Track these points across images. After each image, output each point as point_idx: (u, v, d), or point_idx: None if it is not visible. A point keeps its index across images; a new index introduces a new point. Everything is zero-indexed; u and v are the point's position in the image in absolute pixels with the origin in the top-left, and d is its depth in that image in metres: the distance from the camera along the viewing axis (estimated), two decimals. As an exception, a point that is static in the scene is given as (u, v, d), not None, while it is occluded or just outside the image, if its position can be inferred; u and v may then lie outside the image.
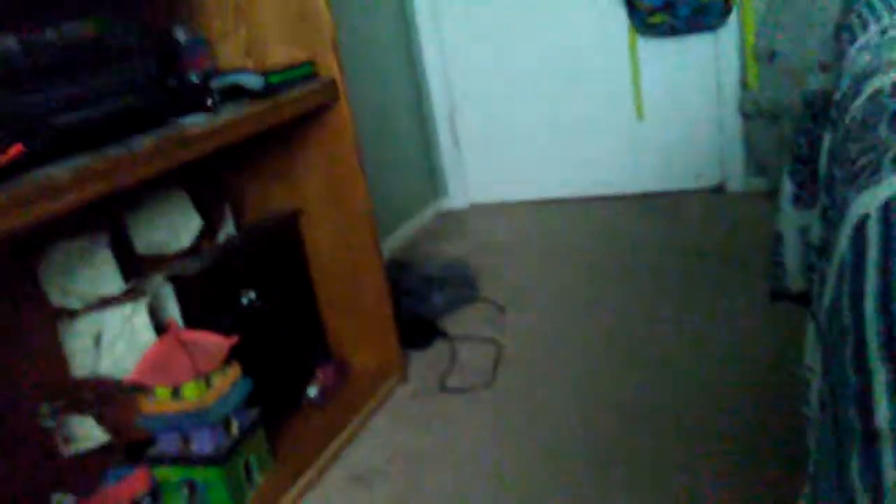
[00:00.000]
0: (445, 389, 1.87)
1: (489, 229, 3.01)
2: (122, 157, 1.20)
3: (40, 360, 1.48)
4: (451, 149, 3.24)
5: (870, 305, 0.52)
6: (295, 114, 1.64)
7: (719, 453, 1.45)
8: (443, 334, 2.13)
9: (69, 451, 1.48)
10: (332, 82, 1.74)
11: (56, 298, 1.47)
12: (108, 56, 1.30)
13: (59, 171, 1.11)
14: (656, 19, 2.69)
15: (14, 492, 1.38)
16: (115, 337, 1.50)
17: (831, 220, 0.78)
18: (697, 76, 2.82)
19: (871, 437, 0.48)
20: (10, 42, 1.16)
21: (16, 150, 1.10)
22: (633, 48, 2.85)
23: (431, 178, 3.27)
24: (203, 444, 1.46)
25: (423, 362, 2.02)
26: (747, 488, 1.34)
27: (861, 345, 0.52)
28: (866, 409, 0.49)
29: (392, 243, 2.83)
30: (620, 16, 2.83)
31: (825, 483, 0.57)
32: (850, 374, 0.53)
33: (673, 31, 2.72)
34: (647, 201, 2.96)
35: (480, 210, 3.24)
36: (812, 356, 0.94)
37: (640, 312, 2.09)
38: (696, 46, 2.78)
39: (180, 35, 1.72)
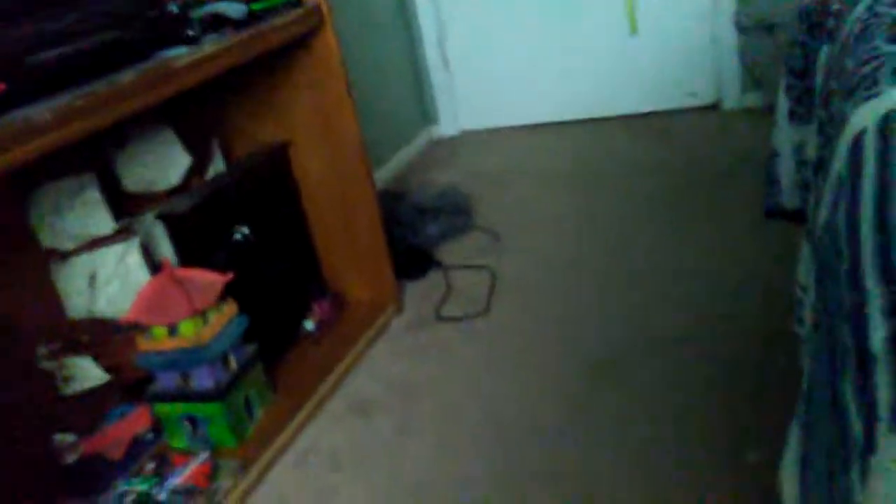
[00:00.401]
0: (441, 319, 1.88)
1: (482, 156, 2.98)
2: (104, 94, 1.17)
3: (36, 302, 1.47)
4: (440, 75, 3.18)
5: (865, 224, 0.51)
6: (279, 42, 1.59)
7: (710, 368, 1.47)
8: (437, 264, 2.13)
9: (69, 391, 1.49)
10: (317, 8, 1.68)
11: (47, 240, 1.46)
12: (82, -10, 1.25)
13: (40, 111, 1.08)
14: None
15: (16, 433, 1.40)
16: (109, 277, 1.49)
17: (828, 135, 0.76)
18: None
19: (864, 359, 0.47)
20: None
21: (-6, 88, 1.07)
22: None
23: (421, 107, 3.22)
24: (202, 380, 1.47)
25: (418, 292, 2.03)
26: (734, 401, 1.36)
27: (856, 264, 0.51)
28: (861, 331, 0.48)
29: (384, 174, 2.80)
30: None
31: (818, 403, 0.57)
32: (844, 294, 0.52)
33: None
34: (640, 121, 2.92)
35: (472, 137, 3.21)
36: (806, 275, 0.93)
37: (635, 234, 2.08)
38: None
39: (156, -36, 1.66)
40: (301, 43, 1.72)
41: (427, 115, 3.24)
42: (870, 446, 0.46)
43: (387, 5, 2.98)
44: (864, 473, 0.46)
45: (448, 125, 3.25)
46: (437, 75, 3.18)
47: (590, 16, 2.92)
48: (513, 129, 3.15)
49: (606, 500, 1.23)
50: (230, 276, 1.51)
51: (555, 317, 1.79)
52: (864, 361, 0.47)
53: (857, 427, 0.47)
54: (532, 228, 2.26)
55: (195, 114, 1.82)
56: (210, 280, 1.49)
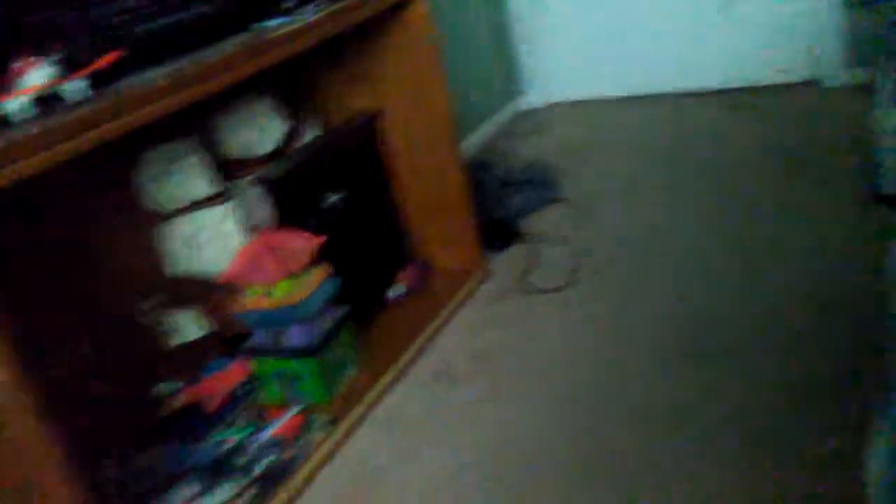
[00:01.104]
0: (527, 289, 1.89)
1: (569, 128, 2.96)
2: (211, 63, 1.22)
3: (140, 259, 1.56)
4: (529, 45, 3.16)
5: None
6: (372, 13, 1.62)
7: (801, 352, 1.44)
8: (523, 236, 2.14)
9: (172, 342, 1.57)
10: (410, -24, 1.70)
11: (151, 202, 1.54)
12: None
13: (153, 78, 1.14)
14: None
15: (125, 380, 1.49)
16: (208, 238, 1.57)
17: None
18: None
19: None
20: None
21: (114, 55, 1.13)
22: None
23: (509, 77, 3.20)
24: (295, 338, 1.53)
25: (503, 263, 2.04)
26: (822, 385, 1.33)
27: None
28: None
29: (470, 143, 2.81)
30: None
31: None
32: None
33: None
34: (735, 97, 2.83)
35: (560, 108, 3.18)
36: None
37: (726, 211, 2.04)
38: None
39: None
40: (393, 13, 1.74)
41: (515, 85, 3.22)
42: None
43: (477, -24, 2.97)
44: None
45: (536, 95, 3.23)
46: (525, 47, 3.16)
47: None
48: (601, 101, 3.11)
49: (685, 478, 1.23)
50: (322, 239, 1.56)
51: (642, 291, 1.78)
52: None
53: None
54: (620, 202, 2.24)
55: (291, 82, 1.87)
56: (303, 243, 1.55)
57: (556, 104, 3.21)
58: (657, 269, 1.85)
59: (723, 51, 2.86)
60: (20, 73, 1.06)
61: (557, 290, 1.86)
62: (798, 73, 2.79)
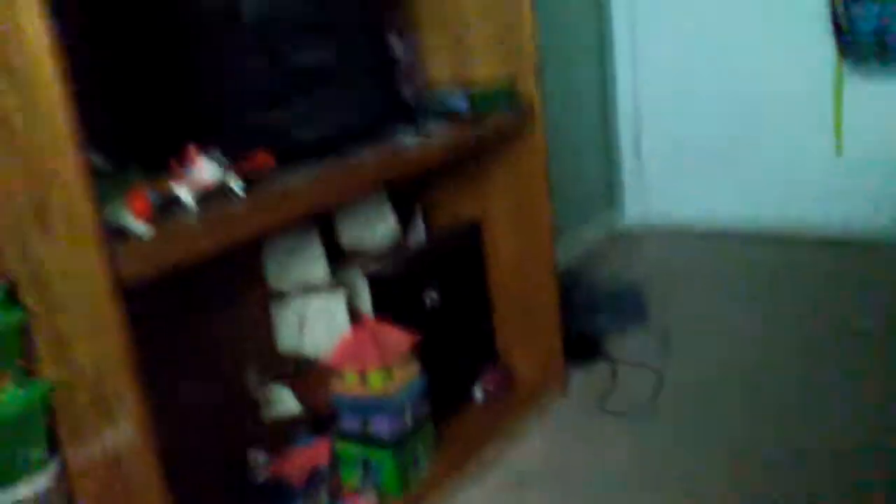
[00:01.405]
0: (603, 409, 1.94)
1: (664, 253, 3.02)
2: (351, 169, 1.37)
3: (254, 332, 1.69)
4: (632, 167, 3.27)
5: None
6: (495, 135, 1.76)
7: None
8: (606, 355, 2.19)
9: (268, 415, 1.68)
10: (531, 108, 1.84)
11: (273, 282, 1.68)
12: (342, 79, 1.47)
13: (302, 180, 1.29)
14: (864, 56, 2.59)
15: (220, 444, 1.60)
16: (317, 320, 1.69)
17: None
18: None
19: None
20: (262, 64, 1.35)
21: (265, 159, 1.29)
22: (839, 81, 2.76)
23: (609, 195, 3.31)
24: (381, 427, 1.62)
25: (583, 380, 2.10)
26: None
27: None
28: None
29: (564, 255, 2.90)
30: (826, 41, 2.72)
31: None
32: None
33: (882, 70, 2.61)
34: (839, 247, 2.82)
35: (656, 232, 3.25)
36: None
37: (810, 369, 2.04)
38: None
39: (398, 50, 1.88)
40: (511, 136, 1.88)
41: (614, 203, 3.33)
42: None
43: (589, 96, 3.12)
44: None
45: (634, 217, 3.32)
46: (628, 167, 3.27)
47: (793, 130, 2.91)
48: (700, 230, 3.16)
49: None
50: (418, 336, 1.67)
51: (716, 427, 1.81)
52: None
53: None
54: (706, 334, 2.28)
55: (407, 184, 2.02)
56: (400, 338, 1.65)
57: (656, 226, 3.28)
58: (733, 407, 1.88)
59: (834, 197, 2.87)
60: (191, 164, 1.22)
61: (633, 414, 1.90)
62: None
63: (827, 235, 2.89)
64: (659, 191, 3.26)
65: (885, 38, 2.54)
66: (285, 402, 1.68)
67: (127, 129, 1.33)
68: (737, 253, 2.92)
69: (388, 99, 1.64)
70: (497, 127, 1.75)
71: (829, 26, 2.66)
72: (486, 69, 1.89)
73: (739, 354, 2.14)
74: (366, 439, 1.64)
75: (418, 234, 1.99)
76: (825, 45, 2.73)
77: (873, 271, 2.60)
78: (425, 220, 2.06)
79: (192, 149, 1.20)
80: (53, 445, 1.19)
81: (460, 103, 1.71)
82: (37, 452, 1.17)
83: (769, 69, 2.90)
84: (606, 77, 3.19)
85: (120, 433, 1.08)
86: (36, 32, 0.95)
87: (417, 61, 1.93)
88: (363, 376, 1.62)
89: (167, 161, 1.20)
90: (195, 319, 1.57)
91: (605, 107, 3.23)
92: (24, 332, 1.14)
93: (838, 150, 2.84)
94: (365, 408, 1.63)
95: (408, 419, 1.66)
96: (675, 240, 3.14)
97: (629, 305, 2.37)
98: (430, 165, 1.56)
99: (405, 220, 2.00)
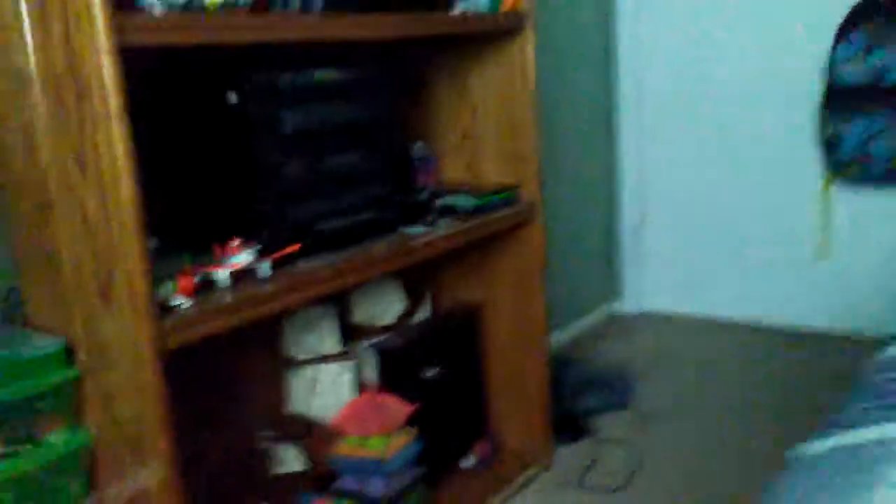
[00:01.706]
0: (585, 484, 2.11)
1: (655, 339, 3.20)
2: (364, 259, 1.59)
3: (269, 395, 1.89)
4: (632, 257, 3.48)
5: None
6: (497, 231, 1.98)
7: None
8: (590, 433, 2.36)
9: (274, 471, 1.87)
10: (532, 206, 2.06)
11: (290, 350, 1.89)
12: (363, 180, 1.70)
13: (321, 266, 1.51)
14: (849, 172, 2.81)
15: (233, 493, 1.79)
16: (327, 387, 1.89)
17: None
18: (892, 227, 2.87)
19: None
20: (296, 169, 1.58)
21: (293, 247, 1.51)
22: (825, 193, 2.96)
23: (609, 282, 3.50)
24: (376, 488, 1.80)
25: (567, 456, 2.27)
26: None
27: None
28: None
29: (562, 337, 3.09)
30: (816, 155, 2.94)
31: None
32: None
33: (868, 178, 2.81)
34: (824, 343, 2.98)
35: (651, 318, 3.43)
36: None
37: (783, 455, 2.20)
38: (889, 200, 2.86)
39: (416, 151, 2.12)
40: (512, 231, 2.10)
41: (613, 289, 3.52)
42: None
43: (595, 189, 3.35)
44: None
45: (631, 302, 3.51)
46: (628, 257, 3.48)
47: (783, 232, 3.11)
48: (694, 319, 3.34)
49: None
50: (415, 407, 1.86)
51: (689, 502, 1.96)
52: None
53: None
54: (689, 418, 2.44)
55: (417, 270, 2.24)
56: (400, 408, 1.84)
57: (649, 313, 3.47)
58: (706, 483, 2.03)
59: (818, 297, 3.06)
60: (228, 251, 1.44)
61: (613, 490, 2.06)
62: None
63: (812, 330, 3.07)
64: (657, 281, 3.46)
65: (869, 156, 2.75)
66: (292, 459, 1.87)
67: (181, 217, 1.56)
68: (726, 342, 3.10)
69: (401, 197, 1.86)
70: (498, 225, 1.97)
71: (819, 142, 2.89)
72: (494, 172, 2.12)
73: (714, 438, 2.30)
74: (361, 499, 1.81)
75: (425, 313, 2.20)
76: (815, 159, 2.96)
77: (852, 364, 2.76)
78: (432, 302, 2.27)
79: (232, 239, 1.43)
80: (92, 483, 1.39)
81: (466, 203, 1.93)
82: (77, 487, 1.37)
83: (764, 179, 3.12)
84: (612, 171, 3.43)
85: (151, 474, 1.28)
86: (113, 140, 1.18)
87: (434, 163, 2.16)
88: (363, 440, 1.80)
89: (212, 246, 1.43)
90: (219, 380, 1.77)
91: (610, 214, 3.45)
92: (76, 386, 1.35)
93: (824, 254, 3.03)
94: (363, 469, 1.81)
95: (402, 481, 1.84)
96: (669, 327, 3.32)
97: (616, 387, 2.54)
98: (433, 256, 1.77)
99: (414, 301, 2.21)
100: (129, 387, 1.29)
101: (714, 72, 3.16)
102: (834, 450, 0.95)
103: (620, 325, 3.40)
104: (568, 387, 2.50)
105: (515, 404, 2.24)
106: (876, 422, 0.94)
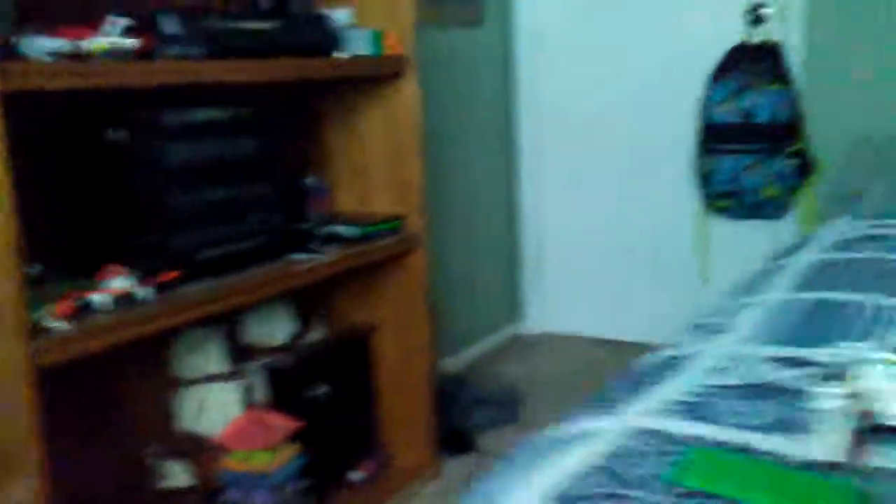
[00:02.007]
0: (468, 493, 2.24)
1: (552, 359, 3.37)
2: (245, 284, 1.71)
3: (157, 413, 1.99)
4: (534, 280, 3.66)
5: None
6: (378, 259, 2.13)
7: None
8: (477, 447, 2.51)
9: (162, 486, 1.96)
10: (416, 235, 2.21)
11: (179, 370, 1.99)
12: (249, 209, 1.83)
13: (201, 291, 1.63)
14: (723, 204, 3.04)
15: (120, 508, 1.87)
16: (213, 405, 1.99)
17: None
18: (760, 255, 3.11)
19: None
20: (178, 202, 1.70)
21: (173, 274, 1.63)
22: (702, 223, 3.20)
23: (512, 304, 3.67)
24: (262, 501, 1.91)
25: (454, 469, 2.40)
26: None
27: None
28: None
29: (462, 358, 3.23)
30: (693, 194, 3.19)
31: None
32: None
33: (740, 210, 3.05)
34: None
35: (551, 339, 3.61)
36: None
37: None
38: (760, 229, 3.10)
39: (310, 182, 2.26)
40: (398, 258, 2.24)
41: (515, 311, 3.69)
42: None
43: (497, 219, 3.52)
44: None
45: (533, 324, 3.69)
46: (530, 278, 3.66)
47: (666, 261, 3.33)
48: (591, 340, 3.52)
49: None
50: (300, 425, 1.97)
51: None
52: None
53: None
54: (567, 435, 2.60)
55: (309, 292, 2.36)
56: (284, 424, 1.96)
57: (550, 334, 3.65)
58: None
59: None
60: (107, 277, 1.55)
61: (490, 502, 2.20)
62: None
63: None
64: (558, 303, 3.65)
65: (739, 190, 2.99)
66: (179, 475, 1.96)
67: (68, 246, 1.66)
68: (618, 361, 3.28)
69: (289, 226, 1.99)
70: (381, 252, 2.12)
71: (695, 175, 3.12)
72: (383, 203, 2.26)
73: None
74: (247, 510, 1.91)
75: (316, 335, 2.32)
76: (692, 192, 3.20)
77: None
78: (327, 324, 2.39)
79: (112, 265, 1.54)
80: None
81: (351, 231, 2.07)
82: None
83: (653, 209, 3.35)
84: (513, 199, 3.62)
85: (24, 489, 1.37)
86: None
87: (327, 194, 2.30)
88: (249, 455, 1.91)
89: (95, 271, 1.54)
90: (110, 399, 1.86)
91: (511, 227, 3.63)
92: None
93: (704, 279, 3.25)
94: (248, 483, 1.91)
95: (286, 495, 1.95)
96: (567, 348, 3.50)
97: (505, 404, 2.70)
98: (318, 280, 1.91)
99: (308, 323, 2.33)
100: (2, 403, 1.38)
101: (608, 108, 3.39)
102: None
103: (522, 345, 3.56)
104: (459, 404, 2.64)
105: (403, 421, 2.37)
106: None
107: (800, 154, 2.92)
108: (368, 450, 2.34)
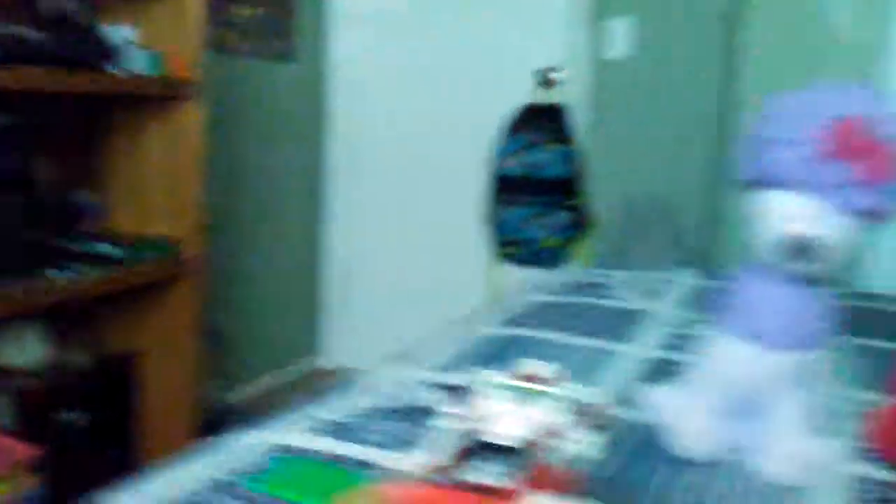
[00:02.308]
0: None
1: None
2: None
3: None
4: (333, 315, 3.69)
5: None
6: (147, 282, 2.08)
7: None
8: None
9: None
10: (190, 261, 2.19)
11: None
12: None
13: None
14: (509, 251, 3.22)
15: None
16: (-57, 429, 1.85)
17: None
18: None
19: None
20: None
21: None
22: (492, 268, 3.37)
23: (309, 338, 3.68)
24: (-14, 533, 1.78)
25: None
26: None
27: None
28: None
29: (251, 390, 3.19)
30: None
31: None
32: None
33: (525, 258, 3.24)
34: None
35: (345, 374, 3.62)
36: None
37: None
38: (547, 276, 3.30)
39: (81, 198, 2.18)
40: (168, 283, 2.20)
41: (312, 345, 3.70)
42: None
43: (298, 250, 3.54)
44: None
45: (330, 358, 3.70)
46: (330, 311, 3.69)
47: (459, 304, 3.46)
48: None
49: None
50: (38, 451, 1.87)
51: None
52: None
53: None
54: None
55: (74, 314, 2.26)
56: (18, 450, 1.85)
57: (345, 369, 3.67)
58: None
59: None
60: None
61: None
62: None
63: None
64: (355, 339, 3.69)
65: (523, 239, 3.18)
66: None
67: None
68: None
69: (44, 241, 1.91)
70: (147, 276, 2.07)
71: (485, 223, 3.29)
72: (161, 226, 2.22)
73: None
74: (-33, 543, 1.78)
75: (75, 358, 2.22)
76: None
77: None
78: (86, 347, 2.30)
79: None
80: None
81: (115, 252, 2.01)
82: None
83: (449, 254, 3.50)
84: (317, 237, 3.65)
85: None
86: None
87: (100, 212, 2.23)
88: (-26, 484, 1.79)
89: None
90: None
91: (313, 265, 3.66)
92: None
93: (491, 321, 3.41)
94: (-29, 514, 1.79)
95: (17, 527, 1.84)
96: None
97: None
98: (75, 300, 1.84)
99: (67, 346, 2.23)
100: None
101: (414, 147, 3.53)
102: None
103: (314, 378, 3.57)
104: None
105: (168, 449, 2.31)
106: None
107: (578, 209, 3.15)
108: (127, 478, 2.25)
